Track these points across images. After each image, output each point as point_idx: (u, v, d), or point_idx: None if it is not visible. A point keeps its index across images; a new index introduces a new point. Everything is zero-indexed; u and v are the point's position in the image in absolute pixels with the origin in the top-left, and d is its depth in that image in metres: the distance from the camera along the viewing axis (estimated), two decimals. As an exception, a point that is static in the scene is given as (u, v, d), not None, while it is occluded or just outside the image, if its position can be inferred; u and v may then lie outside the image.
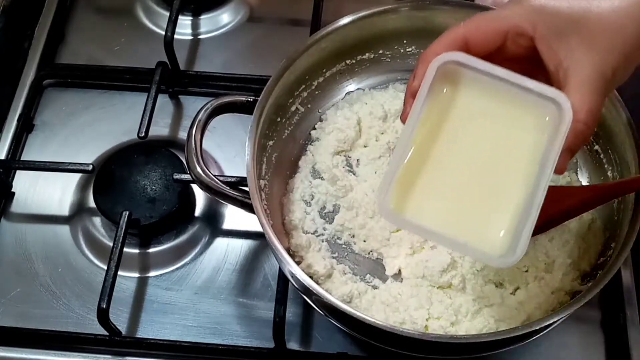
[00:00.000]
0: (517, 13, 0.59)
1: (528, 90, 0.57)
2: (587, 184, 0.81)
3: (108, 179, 0.84)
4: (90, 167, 0.83)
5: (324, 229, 0.79)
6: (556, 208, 0.72)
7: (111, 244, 0.78)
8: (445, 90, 0.60)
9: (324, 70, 0.84)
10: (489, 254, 0.56)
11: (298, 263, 0.74)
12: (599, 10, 0.58)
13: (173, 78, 0.93)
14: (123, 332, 0.77)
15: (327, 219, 0.80)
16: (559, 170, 0.57)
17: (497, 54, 0.61)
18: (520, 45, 0.60)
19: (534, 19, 0.58)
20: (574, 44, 0.57)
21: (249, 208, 0.70)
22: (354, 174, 0.82)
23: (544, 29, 0.58)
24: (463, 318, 0.72)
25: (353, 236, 0.78)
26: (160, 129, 0.91)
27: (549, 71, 0.59)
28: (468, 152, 0.59)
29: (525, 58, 0.60)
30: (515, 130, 0.59)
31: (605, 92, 0.57)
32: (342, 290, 0.73)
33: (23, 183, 0.87)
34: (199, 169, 0.71)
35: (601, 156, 0.79)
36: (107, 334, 0.76)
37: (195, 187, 0.85)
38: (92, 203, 0.84)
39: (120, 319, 0.78)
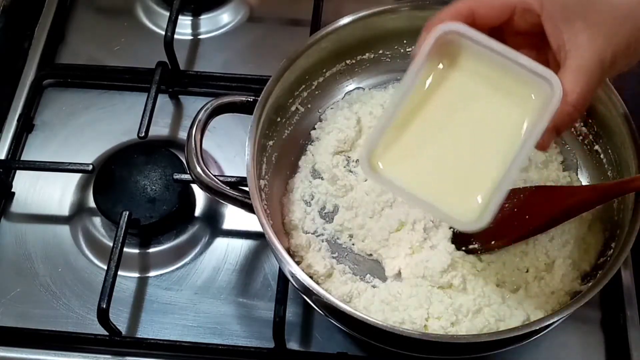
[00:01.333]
0: None
1: (522, 66, 0.58)
2: (587, 184, 0.81)
3: (108, 179, 0.84)
4: (90, 167, 0.83)
5: (324, 229, 0.79)
6: (556, 208, 0.72)
7: (111, 244, 0.78)
8: (441, 64, 0.61)
9: (324, 70, 0.84)
10: (455, 218, 0.58)
11: (298, 263, 0.74)
12: None
13: (173, 78, 0.93)
14: (123, 332, 0.77)
15: (327, 219, 0.80)
16: (541, 147, 0.58)
17: (505, 28, 0.61)
18: (527, 21, 0.60)
19: None
20: (578, 27, 0.57)
21: (249, 208, 0.70)
22: (354, 174, 0.82)
23: (551, 8, 0.58)
24: (463, 318, 0.72)
25: (352, 236, 0.78)
26: (160, 129, 0.91)
27: (552, 49, 0.59)
28: (454, 123, 0.61)
29: (532, 33, 0.60)
30: (504, 106, 0.60)
31: (601, 78, 0.58)
32: (342, 290, 0.73)
33: (23, 183, 0.87)
34: (199, 169, 0.71)
35: (601, 156, 0.79)
36: (107, 334, 0.76)
37: (195, 187, 0.85)
38: (92, 203, 0.84)
39: (120, 319, 0.78)
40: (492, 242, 0.74)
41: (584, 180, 0.81)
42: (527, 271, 0.75)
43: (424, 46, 0.58)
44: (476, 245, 0.75)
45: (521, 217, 0.73)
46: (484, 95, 0.60)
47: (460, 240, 0.76)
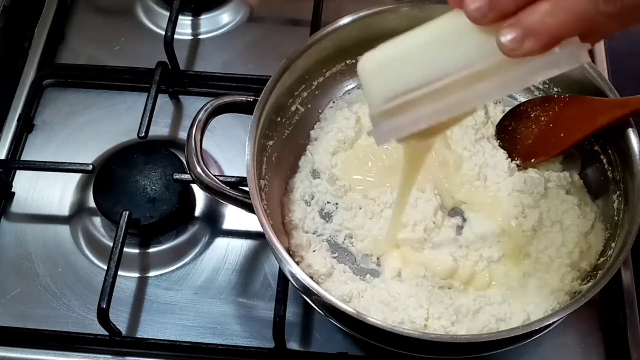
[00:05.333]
0: None
1: None
2: (586, 184, 0.81)
3: (108, 179, 0.84)
4: (90, 167, 0.83)
5: (324, 228, 0.79)
6: (589, 125, 0.75)
7: (111, 244, 0.78)
8: None
9: (324, 70, 0.84)
10: None
11: (298, 263, 0.74)
12: None
13: (173, 78, 0.93)
14: (123, 332, 0.77)
15: (327, 218, 0.80)
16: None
17: None
18: None
19: None
20: None
21: (249, 208, 0.70)
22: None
23: None
24: (463, 318, 0.72)
25: (352, 236, 0.78)
26: (160, 129, 0.91)
27: None
28: None
29: None
30: None
31: None
32: (341, 289, 0.73)
33: (23, 183, 0.87)
34: (199, 169, 0.71)
35: (601, 156, 0.79)
36: (107, 334, 0.76)
37: (195, 187, 0.85)
38: (92, 203, 0.84)
39: (120, 319, 0.78)
40: (532, 160, 0.79)
41: (584, 180, 0.81)
42: (527, 271, 0.75)
43: None
44: (518, 162, 0.79)
45: (557, 134, 0.77)
46: None
47: (508, 147, 0.81)
